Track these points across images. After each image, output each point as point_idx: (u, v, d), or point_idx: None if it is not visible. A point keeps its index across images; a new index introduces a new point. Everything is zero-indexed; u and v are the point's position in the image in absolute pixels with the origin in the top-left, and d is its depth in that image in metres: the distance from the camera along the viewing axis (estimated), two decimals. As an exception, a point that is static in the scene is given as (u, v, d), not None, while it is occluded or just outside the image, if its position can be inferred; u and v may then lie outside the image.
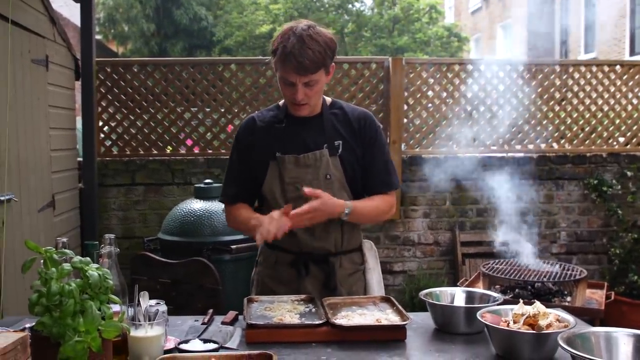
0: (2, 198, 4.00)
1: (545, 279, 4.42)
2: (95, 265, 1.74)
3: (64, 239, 1.96)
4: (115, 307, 1.87)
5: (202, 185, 5.13)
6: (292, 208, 2.56)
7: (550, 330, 1.96)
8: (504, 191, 6.34)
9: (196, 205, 4.98)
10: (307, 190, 2.47)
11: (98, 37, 6.32)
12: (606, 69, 6.70)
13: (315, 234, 2.64)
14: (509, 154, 6.52)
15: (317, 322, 2.20)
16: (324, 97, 2.71)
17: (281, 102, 2.74)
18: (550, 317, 2.03)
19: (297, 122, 2.65)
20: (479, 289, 2.85)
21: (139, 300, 1.96)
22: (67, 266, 1.68)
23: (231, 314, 2.46)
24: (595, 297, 4.59)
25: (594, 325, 2.50)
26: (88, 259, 1.76)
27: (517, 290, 4.46)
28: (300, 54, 2.41)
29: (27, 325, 2.19)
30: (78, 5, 5.77)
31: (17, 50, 4.31)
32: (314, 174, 2.59)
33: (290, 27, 2.50)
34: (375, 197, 2.71)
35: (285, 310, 2.36)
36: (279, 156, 2.62)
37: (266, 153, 2.64)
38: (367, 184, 2.72)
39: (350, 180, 2.66)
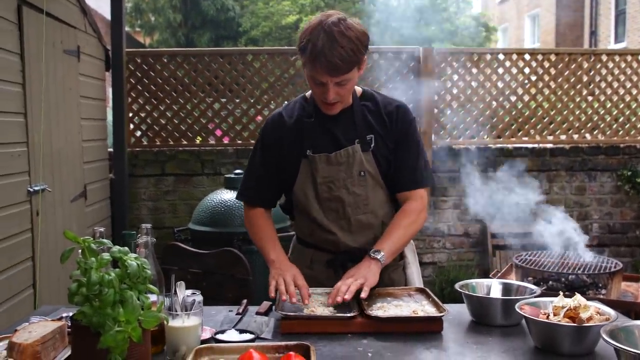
0: (37, 188, 4.04)
1: (579, 271, 4.36)
2: (134, 255, 1.74)
3: (102, 229, 1.96)
4: (153, 297, 1.87)
5: (232, 176, 5.14)
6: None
7: (591, 323, 1.93)
8: (536, 182, 6.27)
9: (226, 195, 4.99)
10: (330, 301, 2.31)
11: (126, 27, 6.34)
12: (641, 58, 6.59)
13: (353, 232, 2.53)
14: (541, 145, 6.44)
15: (348, 315, 2.17)
16: (355, 87, 2.54)
17: (308, 94, 2.59)
18: (591, 309, 1.99)
19: (327, 116, 2.49)
20: (516, 281, 2.81)
21: (175, 290, 1.96)
22: (106, 256, 1.68)
23: (265, 304, 2.45)
24: (631, 290, 4.51)
25: (630, 318, 2.45)
26: (126, 248, 1.75)
27: (550, 282, 4.40)
28: (332, 53, 2.23)
29: (64, 315, 2.21)
30: (105, -4, 5.81)
31: (49, 40, 4.34)
32: (347, 172, 2.47)
33: (319, 21, 2.30)
34: (397, 221, 2.53)
35: (319, 302, 2.34)
36: (310, 155, 2.48)
37: (297, 151, 2.51)
38: (396, 180, 2.56)
39: (385, 176, 2.52)
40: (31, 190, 4.01)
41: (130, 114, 6.25)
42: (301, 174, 2.52)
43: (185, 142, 6.31)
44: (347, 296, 2.25)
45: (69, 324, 1.88)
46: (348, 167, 2.47)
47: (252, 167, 2.65)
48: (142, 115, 6.30)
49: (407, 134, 2.54)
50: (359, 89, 2.58)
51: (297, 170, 2.52)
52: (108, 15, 5.96)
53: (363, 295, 2.27)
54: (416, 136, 2.57)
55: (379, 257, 2.39)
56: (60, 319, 2.13)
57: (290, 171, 2.54)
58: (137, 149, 6.26)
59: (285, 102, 2.69)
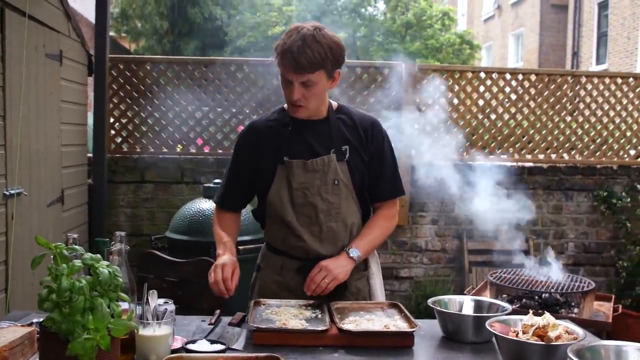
0: (12, 192, 4.01)
1: (552, 290, 4.40)
2: (106, 263, 1.74)
3: (75, 235, 1.96)
4: (124, 305, 1.87)
5: (211, 185, 5.13)
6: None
7: (559, 342, 1.95)
8: (513, 200, 6.31)
9: (205, 204, 4.98)
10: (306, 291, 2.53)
11: (111, 33, 6.32)
12: (619, 80, 6.68)
13: (323, 239, 2.60)
14: (519, 163, 6.50)
15: (319, 329, 2.19)
16: (331, 101, 2.67)
17: (285, 105, 2.67)
18: (560, 328, 2.02)
19: (304, 125, 2.60)
20: (488, 298, 2.83)
21: (147, 299, 1.96)
22: (78, 263, 1.67)
23: (238, 315, 2.45)
24: (603, 309, 4.56)
25: (600, 338, 2.48)
26: (99, 255, 1.75)
27: (524, 300, 4.44)
28: (299, 52, 2.37)
29: (35, 320, 2.19)
30: (91, 0, 5.78)
31: (31, 44, 4.33)
32: (322, 179, 2.56)
33: (296, 26, 2.46)
34: (375, 221, 2.72)
35: (291, 314, 2.35)
36: (287, 160, 2.58)
37: (273, 158, 2.60)
38: (373, 191, 2.70)
39: (358, 186, 2.63)
40: (7, 193, 3.97)
41: (112, 120, 6.22)
42: (277, 179, 2.60)
43: (165, 150, 6.29)
44: (322, 294, 2.49)
45: (39, 330, 1.87)
46: (323, 175, 2.56)
47: (227, 175, 2.77)
48: (124, 121, 6.28)
49: (382, 148, 2.67)
50: (334, 104, 2.70)
51: (273, 176, 2.60)
52: (94, 20, 5.94)
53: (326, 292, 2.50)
54: (391, 149, 2.72)
55: (354, 256, 2.58)
56: (31, 324, 2.11)
57: (266, 177, 2.62)
58: (117, 155, 6.23)
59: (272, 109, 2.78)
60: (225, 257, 2.57)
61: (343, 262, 2.56)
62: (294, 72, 2.42)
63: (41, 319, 2.11)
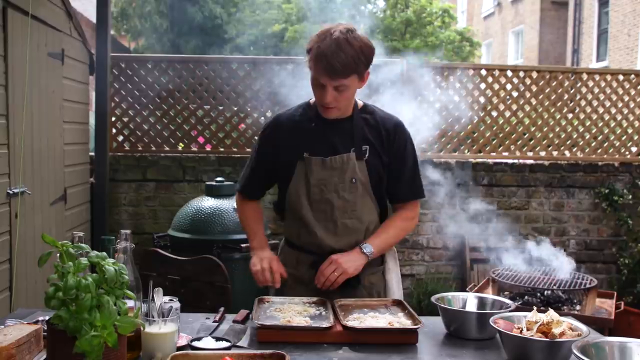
0: (16, 190, 4.02)
1: (555, 287, 4.40)
2: (112, 260, 1.74)
3: (80, 233, 1.96)
4: (130, 303, 1.87)
5: (213, 183, 5.14)
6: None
7: (563, 339, 1.96)
8: (514, 197, 6.32)
9: (207, 202, 4.99)
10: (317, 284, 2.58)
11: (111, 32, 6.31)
12: (620, 77, 6.67)
13: (338, 235, 2.63)
14: (521, 161, 6.50)
15: (323, 326, 2.20)
16: (357, 100, 2.68)
17: (311, 100, 2.71)
18: (564, 325, 2.02)
19: (327, 123, 2.62)
20: (491, 295, 2.84)
21: (153, 297, 1.97)
22: (84, 260, 1.68)
23: (242, 312, 2.46)
24: (605, 306, 4.56)
25: (603, 335, 2.49)
26: (104, 253, 1.75)
27: (526, 297, 4.44)
28: (333, 56, 2.38)
29: (40, 318, 2.20)
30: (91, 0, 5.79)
31: (34, 43, 4.33)
32: (340, 177, 2.59)
33: (328, 28, 2.47)
34: (393, 221, 2.74)
35: (295, 312, 2.36)
36: (306, 157, 2.61)
37: (294, 153, 2.63)
38: (392, 192, 2.73)
39: (375, 186, 2.65)
40: (10, 192, 3.98)
41: (113, 119, 6.22)
42: (296, 175, 2.64)
43: (167, 148, 6.30)
44: (331, 287, 2.54)
45: (45, 328, 1.88)
46: (341, 173, 2.60)
47: (249, 166, 2.83)
48: (125, 120, 6.28)
49: (404, 149, 2.69)
50: (360, 102, 2.72)
51: (293, 171, 2.65)
52: (94, 19, 5.94)
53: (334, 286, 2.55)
54: (413, 151, 2.74)
55: (367, 252, 2.60)
56: (37, 322, 2.12)
57: (286, 171, 2.67)
58: (119, 153, 6.23)
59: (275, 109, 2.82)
60: (267, 253, 2.69)
61: (354, 256, 2.58)
62: (329, 77, 2.43)
63: (47, 317, 2.12)
